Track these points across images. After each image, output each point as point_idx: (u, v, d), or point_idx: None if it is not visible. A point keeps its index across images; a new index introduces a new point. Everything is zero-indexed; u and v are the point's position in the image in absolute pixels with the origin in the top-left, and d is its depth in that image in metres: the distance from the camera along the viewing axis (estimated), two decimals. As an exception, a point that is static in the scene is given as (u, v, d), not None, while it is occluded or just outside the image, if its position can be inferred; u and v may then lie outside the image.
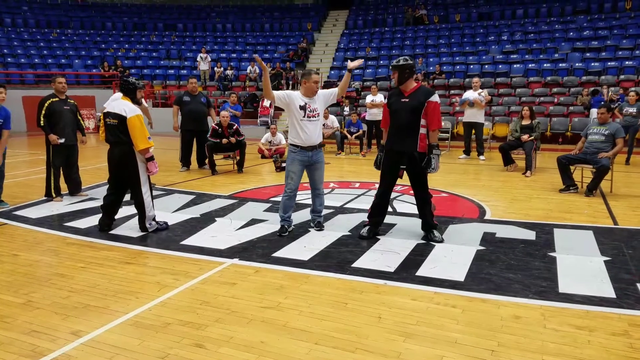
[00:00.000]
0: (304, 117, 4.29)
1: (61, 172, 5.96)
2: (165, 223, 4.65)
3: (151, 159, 4.38)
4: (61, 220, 5.01)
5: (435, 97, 4.04)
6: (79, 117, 6.08)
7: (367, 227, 4.32)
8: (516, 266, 3.51)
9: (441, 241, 4.12)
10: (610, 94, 11.72)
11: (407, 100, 4.06)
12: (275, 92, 4.34)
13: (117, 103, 4.35)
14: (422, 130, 4.07)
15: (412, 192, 6.15)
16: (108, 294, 3.11)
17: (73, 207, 5.56)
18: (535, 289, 3.10)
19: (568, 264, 3.56)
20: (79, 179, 6.14)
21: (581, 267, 3.51)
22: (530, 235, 4.30)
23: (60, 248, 4.12)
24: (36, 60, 18.98)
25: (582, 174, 6.43)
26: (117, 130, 4.28)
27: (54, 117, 5.71)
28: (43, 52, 19.53)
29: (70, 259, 3.82)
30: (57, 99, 5.81)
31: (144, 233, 4.46)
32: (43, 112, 5.68)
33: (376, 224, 4.34)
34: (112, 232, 4.54)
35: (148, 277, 3.39)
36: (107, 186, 4.60)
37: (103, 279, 3.37)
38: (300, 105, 4.31)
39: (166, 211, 5.27)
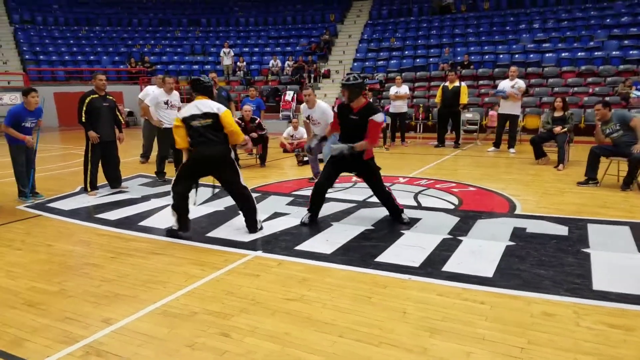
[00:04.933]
0: (311, 124, 6.38)
1: (100, 167, 6.07)
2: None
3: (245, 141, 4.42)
4: (93, 212, 5.16)
5: (378, 117, 4.25)
6: (118, 113, 6.19)
7: (307, 215, 4.57)
8: (547, 262, 3.40)
9: (408, 222, 4.44)
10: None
11: (356, 117, 4.30)
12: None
13: (199, 103, 4.09)
14: None
15: (437, 186, 6.16)
16: (137, 283, 3.18)
17: (104, 199, 5.72)
18: (568, 286, 2.99)
19: (603, 260, 3.42)
20: (119, 173, 6.27)
21: (617, 264, 3.37)
22: (563, 230, 4.15)
23: (92, 239, 4.25)
24: (66, 57, 19.54)
25: (619, 167, 6.16)
26: (212, 130, 4.04)
27: (93, 114, 5.79)
28: (73, 49, 20.10)
29: (101, 249, 3.94)
30: (97, 95, 5.88)
31: (253, 234, 4.17)
32: (84, 108, 5.76)
33: (315, 212, 4.59)
34: (140, 223, 4.65)
35: (176, 268, 3.45)
36: (183, 187, 4.19)
37: (133, 269, 3.46)
38: (305, 117, 6.43)
39: (192, 204, 5.32)
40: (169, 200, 5.50)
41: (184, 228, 4.23)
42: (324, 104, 6.43)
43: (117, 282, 3.21)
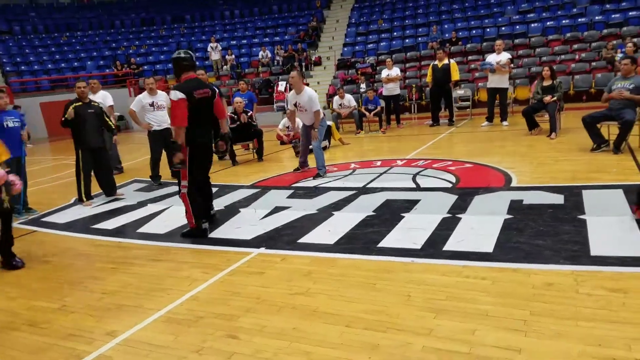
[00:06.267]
0: (298, 111, 6.38)
1: (92, 175, 6.03)
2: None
3: None
4: (89, 223, 5.12)
5: (171, 94, 3.99)
6: (107, 118, 6.12)
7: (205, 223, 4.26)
8: (545, 232, 3.43)
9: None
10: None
11: None
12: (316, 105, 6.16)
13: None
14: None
15: (434, 165, 6.18)
16: (140, 292, 3.18)
17: (100, 208, 5.68)
18: (567, 254, 3.02)
19: (599, 225, 3.46)
20: (112, 181, 6.23)
21: (612, 227, 3.41)
22: (559, 199, 4.18)
23: (91, 251, 4.24)
24: (49, 65, 19.28)
25: (609, 131, 6.18)
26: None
27: (78, 121, 5.75)
28: (55, 56, 19.83)
29: (100, 260, 3.93)
30: (80, 103, 5.85)
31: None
32: (65, 117, 5.74)
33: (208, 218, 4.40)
34: (139, 230, 4.64)
35: (178, 273, 3.45)
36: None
37: (134, 278, 3.46)
38: (293, 104, 6.34)
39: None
40: (165, 204, 5.55)
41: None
42: (310, 90, 6.34)
43: (119, 293, 3.20)
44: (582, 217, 3.68)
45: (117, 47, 20.54)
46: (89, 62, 19.55)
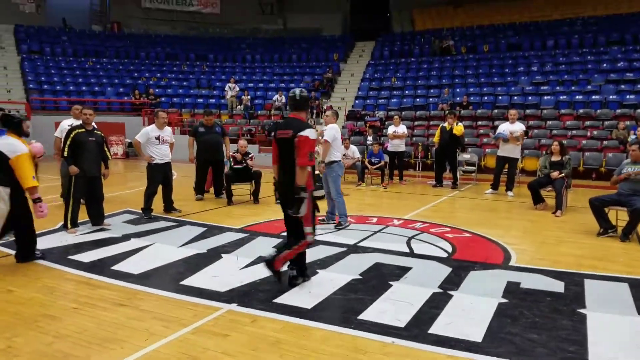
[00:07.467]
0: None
1: (82, 203, 5.92)
2: None
3: (38, 200, 4.43)
4: (67, 252, 4.90)
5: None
6: (105, 149, 6.07)
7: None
8: (541, 325, 3.13)
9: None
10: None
11: None
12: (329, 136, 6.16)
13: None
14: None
15: (432, 230, 5.94)
16: (92, 341, 2.92)
17: (83, 238, 5.48)
18: (562, 355, 2.71)
19: (599, 324, 3.16)
20: (102, 210, 6.08)
21: (615, 328, 3.10)
22: (559, 286, 3.88)
23: (58, 285, 4.00)
24: (71, 87, 19.78)
25: (617, 217, 5.92)
26: None
27: (78, 148, 5.72)
28: (78, 79, 20.38)
29: (64, 297, 3.69)
30: (83, 130, 5.82)
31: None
32: (68, 142, 5.71)
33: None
34: (113, 267, 4.40)
35: (137, 323, 3.18)
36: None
37: (92, 322, 3.20)
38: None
39: (173, 245, 5.14)
40: (150, 240, 5.34)
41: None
42: (333, 125, 6.31)
43: (72, 339, 2.94)
44: (582, 311, 3.38)
45: (138, 77, 21.11)
46: (109, 88, 20.04)
